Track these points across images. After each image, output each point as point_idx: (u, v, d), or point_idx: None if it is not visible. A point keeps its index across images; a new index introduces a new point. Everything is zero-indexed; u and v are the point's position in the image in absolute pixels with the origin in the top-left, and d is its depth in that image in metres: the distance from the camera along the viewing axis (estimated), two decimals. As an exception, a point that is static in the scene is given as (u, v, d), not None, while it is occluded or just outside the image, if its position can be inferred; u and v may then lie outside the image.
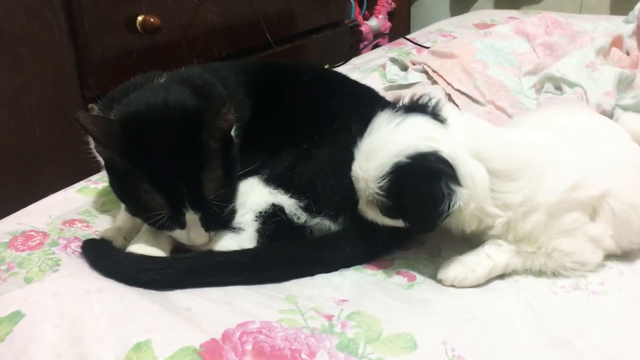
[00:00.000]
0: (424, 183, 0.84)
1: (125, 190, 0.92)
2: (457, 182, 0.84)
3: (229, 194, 0.95)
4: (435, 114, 0.90)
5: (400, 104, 0.94)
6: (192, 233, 0.93)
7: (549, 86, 1.50)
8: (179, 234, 0.93)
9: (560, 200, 0.88)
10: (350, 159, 0.93)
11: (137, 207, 0.93)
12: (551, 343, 0.79)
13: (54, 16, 1.49)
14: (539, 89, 1.57)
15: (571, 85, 1.44)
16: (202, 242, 0.94)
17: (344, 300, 0.87)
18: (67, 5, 1.50)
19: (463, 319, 0.83)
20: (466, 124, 0.90)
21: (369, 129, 0.91)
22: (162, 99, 0.93)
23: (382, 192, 0.87)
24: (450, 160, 0.85)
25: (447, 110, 0.91)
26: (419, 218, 0.89)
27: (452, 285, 0.90)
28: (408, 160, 0.85)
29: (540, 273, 0.92)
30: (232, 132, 0.96)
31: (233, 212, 0.97)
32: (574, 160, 0.91)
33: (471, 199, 0.86)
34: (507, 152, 0.89)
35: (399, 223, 0.92)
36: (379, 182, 0.87)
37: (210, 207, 0.90)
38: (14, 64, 1.44)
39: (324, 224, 0.98)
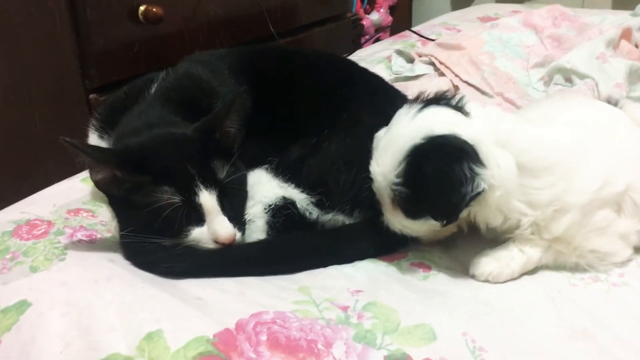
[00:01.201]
0: (444, 164, 0.80)
1: (135, 211, 0.86)
2: (480, 163, 0.80)
3: (243, 180, 0.92)
4: (458, 107, 0.86)
5: (424, 95, 0.90)
6: (215, 224, 0.86)
7: (558, 78, 1.48)
8: (200, 234, 0.87)
9: (592, 199, 0.85)
10: (363, 150, 0.90)
11: (152, 219, 0.84)
12: (573, 335, 0.77)
13: (56, 5, 1.46)
14: (547, 81, 1.55)
15: (582, 76, 1.42)
16: (227, 234, 0.86)
17: (358, 291, 0.85)
18: (69, -4, 1.48)
19: (482, 311, 0.81)
20: (491, 115, 0.87)
21: (387, 127, 0.88)
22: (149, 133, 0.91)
23: (399, 181, 0.83)
24: (471, 142, 0.81)
25: (471, 105, 0.87)
26: (441, 204, 0.82)
27: (487, 281, 0.86)
28: (423, 142, 0.82)
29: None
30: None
31: (247, 199, 0.94)
32: (599, 158, 0.88)
33: (497, 183, 0.81)
34: (535, 147, 0.85)
35: (425, 224, 0.87)
36: (396, 171, 0.83)
37: (226, 189, 0.87)
38: (14, 54, 1.41)
39: (337, 219, 0.95)
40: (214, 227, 0.86)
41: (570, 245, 0.87)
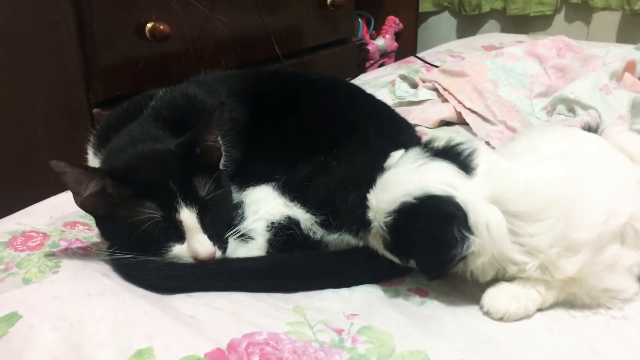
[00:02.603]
0: (434, 225, 0.81)
1: (119, 228, 0.87)
2: (468, 229, 0.80)
3: (225, 196, 0.92)
4: (464, 164, 0.85)
5: (434, 144, 0.90)
6: (194, 242, 0.86)
7: (561, 108, 1.49)
8: (180, 251, 0.87)
9: (601, 233, 0.83)
10: (371, 172, 0.91)
11: (134, 235, 0.85)
12: (570, 366, 0.75)
13: (63, 19, 1.47)
14: (550, 111, 1.55)
15: (585, 107, 1.43)
16: (206, 252, 0.87)
17: (354, 315, 0.84)
18: (77, 9, 1.49)
19: (478, 339, 0.80)
20: (490, 166, 0.85)
21: (395, 162, 0.89)
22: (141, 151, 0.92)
23: (385, 228, 0.85)
24: (463, 207, 0.81)
25: (479, 155, 0.86)
26: (429, 262, 0.85)
27: (500, 319, 0.83)
28: (414, 201, 0.83)
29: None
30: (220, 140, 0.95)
31: (233, 219, 0.94)
32: (600, 189, 0.86)
33: (484, 249, 0.82)
34: (529, 192, 0.83)
35: (400, 262, 0.89)
36: (385, 217, 0.85)
37: (207, 206, 0.87)
38: (20, 67, 1.42)
39: (343, 239, 0.95)
40: (194, 245, 0.87)
41: (585, 287, 0.85)
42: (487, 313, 0.84)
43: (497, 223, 0.82)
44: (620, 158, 0.95)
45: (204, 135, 0.90)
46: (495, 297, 0.85)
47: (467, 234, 0.80)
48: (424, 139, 1.11)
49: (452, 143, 0.90)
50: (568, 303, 0.86)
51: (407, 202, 0.83)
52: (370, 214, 0.88)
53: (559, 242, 0.82)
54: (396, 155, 0.92)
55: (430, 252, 0.83)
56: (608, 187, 0.87)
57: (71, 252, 0.92)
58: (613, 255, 0.85)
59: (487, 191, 0.83)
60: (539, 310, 0.85)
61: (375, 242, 0.90)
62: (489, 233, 0.81)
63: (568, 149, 0.94)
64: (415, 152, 0.88)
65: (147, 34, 1.59)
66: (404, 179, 0.86)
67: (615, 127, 1.03)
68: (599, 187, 0.86)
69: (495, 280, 0.87)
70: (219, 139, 0.94)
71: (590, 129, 1.03)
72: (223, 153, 0.96)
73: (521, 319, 0.84)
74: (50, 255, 0.90)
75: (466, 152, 0.87)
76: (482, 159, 0.86)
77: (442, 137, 0.93)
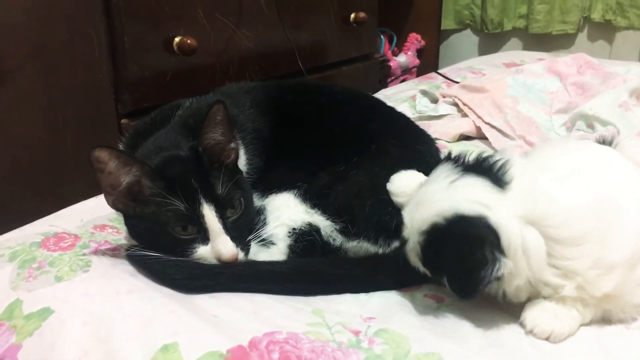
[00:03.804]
0: (464, 248, 0.79)
1: (145, 224, 0.91)
2: (501, 251, 0.79)
3: (245, 199, 0.95)
4: (497, 178, 0.83)
5: (466, 158, 0.89)
6: (218, 243, 0.90)
7: (580, 124, 1.50)
8: (205, 252, 0.91)
9: (633, 252, 0.82)
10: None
11: (159, 231, 0.90)
12: (583, 373, 0.77)
13: (95, 33, 1.53)
14: (569, 127, 1.57)
15: (604, 124, 1.44)
16: (229, 253, 0.90)
17: (371, 318, 0.86)
18: (108, 23, 1.55)
19: (492, 344, 0.81)
20: (527, 182, 0.83)
21: (429, 177, 0.89)
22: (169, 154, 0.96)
23: (419, 248, 0.85)
24: (495, 228, 0.79)
25: (513, 166, 0.85)
26: (459, 282, 0.83)
27: (546, 339, 0.82)
28: (444, 222, 0.82)
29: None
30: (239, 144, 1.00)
31: (254, 223, 0.97)
32: (629, 209, 0.85)
33: (519, 271, 0.80)
34: (572, 219, 0.81)
35: (437, 279, 0.88)
36: (419, 237, 0.85)
37: (225, 204, 0.91)
38: (52, 77, 1.48)
39: (361, 246, 0.97)
40: (217, 247, 0.90)
41: (620, 303, 0.84)
42: (531, 332, 0.83)
43: (536, 247, 0.80)
44: (636, 173, 0.95)
45: (202, 135, 0.93)
46: (538, 316, 0.83)
47: (499, 256, 0.78)
48: (444, 152, 1.14)
49: (484, 155, 0.88)
50: (604, 320, 0.86)
51: (438, 223, 0.82)
52: (405, 232, 0.89)
53: (597, 265, 0.81)
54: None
55: (460, 272, 0.82)
56: (634, 206, 0.87)
57: (101, 253, 0.96)
58: None
59: (525, 212, 0.81)
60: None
61: (414, 259, 0.90)
62: (526, 256, 0.80)
63: (581, 164, 0.93)
64: (446, 168, 0.87)
65: (175, 47, 1.64)
66: (435, 197, 0.85)
67: (630, 140, 1.04)
68: (630, 206, 0.86)
69: (517, 306, 0.86)
70: (238, 143, 0.98)
71: (605, 142, 1.03)
72: (245, 159, 0.99)
73: (566, 339, 0.82)
74: (81, 255, 0.94)
75: (499, 165, 0.85)
76: (517, 171, 0.84)
77: (462, 151, 0.93)
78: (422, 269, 0.89)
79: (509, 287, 0.83)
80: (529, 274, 0.81)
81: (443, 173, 0.87)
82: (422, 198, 0.87)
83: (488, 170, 0.85)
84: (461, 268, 0.81)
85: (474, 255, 0.78)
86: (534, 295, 0.85)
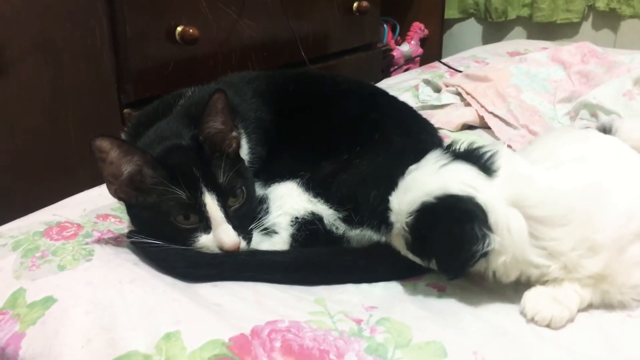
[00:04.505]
0: (455, 223, 0.82)
1: (149, 212, 0.91)
2: (488, 227, 0.81)
3: (247, 188, 0.96)
4: (485, 167, 0.86)
5: (455, 146, 0.92)
6: (220, 232, 0.90)
7: (584, 113, 1.50)
8: (207, 241, 0.91)
9: (622, 234, 0.84)
10: (393, 169, 0.93)
11: (161, 220, 0.90)
12: (585, 361, 0.77)
13: (97, 24, 1.53)
14: (573, 116, 1.56)
15: (607, 112, 1.43)
16: (231, 242, 0.91)
17: (373, 307, 0.86)
18: (110, 14, 1.54)
19: (494, 332, 0.81)
20: (512, 169, 0.86)
21: (417, 164, 0.90)
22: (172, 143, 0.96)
23: (407, 229, 0.87)
24: (483, 206, 0.82)
25: (501, 158, 0.87)
26: (448, 260, 0.86)
27: (547, 326, 0.82)
28: (435, 201, 0.84)
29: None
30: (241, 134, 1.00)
31: (256, 212, 0.97)
32: (617, 193, 0.87)
33: (505, 248, 0.82)
34: (551, 199, 0.84)
35: (422, 262, 0.90)
36: (406, 218, 0.86)
37: (227, 193, 0.91)
38: (54, 68, 1.48)
39: (364, 234, 0.98)
40: (219, 235, 0.91)
41: (616, 284, 0.85)
42: (532, 320, 0.83)
43: (518, 226, 0.83)
44: (633, 155, 0.96)
45: (203, 124, 0.93)
46: (537, 302, 0.84)
47: (487, 232, 0.81)
48: (447, 141, 1.13)
49: (474, 146, 0.91)
50: (604, 304, 0.86)
51: (428, 201, 0.84)
52: (392, 217, 0.90)
53: (581, 245, 0.83)
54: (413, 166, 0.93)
55: (451, 249, 0.84)
56: (627, 190, 0.88)
57: (103, 242, 0.97)
58: (638, 253, 0.85)
59: (508, 194, 0.84)
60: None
61: (398, 243, 0.92)
62: (510, 234, 0.82)
63: (585, 153, 0.94)
64: (436, 154, 0.90)
65: (177, 37, 1.64)
66: (424, 180, 0.87)
67: (629, 122, 1.03)
68: (618, 190, 0.87)
69: (518, 283, 0.87)
70: (240, 132, 0.98)
71: (605, 129, 1.04)
72: (247, 148, 0.99)
73: (567, 323, 0.83)
74: (84, 244, 0.94)
75: (487, 155, 0.88)
76: (504, 162, 0.87)
77: (464, 140, 0.94)
78: (405, 252, 0.90)
79: (496, 263, 0.84)
80: (516, 251, 0.83)
81: (432, 159, 0.89)
82: (411, 183, 0.88)
83: (477, 159, 0.88)
84: (451, 245, 0.83)
85: (464, 230, 0.81)
86: (525, 279, 0.87)
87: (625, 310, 0.86)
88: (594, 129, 1.09)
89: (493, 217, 0.82)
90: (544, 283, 0.87)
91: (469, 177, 0.85)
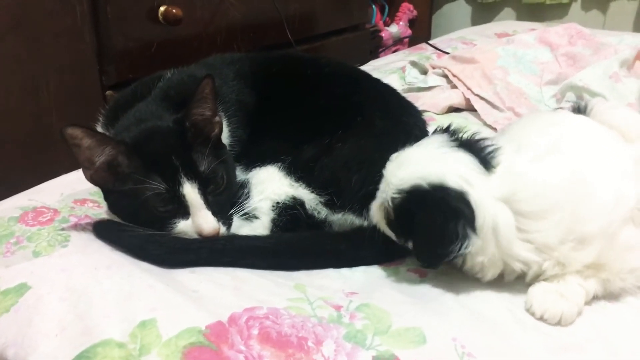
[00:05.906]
0: (440, 218, 0.81)
1: (127, 202, 0.90)
2: (473, 229, 0.81)
3: (228, 173, 0.94)
4: (485, 160, 0.85)
5: (460, 134, 0.90)
6: (199, 218, 0.89)
7: (570, 95, 1.48)
8: (185, 227, 0.90)
9: (610, 222, 0.83)
10: (375, 153, 0.92)
11: (138, 207, 0.88)
12: (564, 346, 0.77)
13: (78, 2, 1.50)
14: (559, 98, 1.55)
15: (593, 95, 1.42)
16: (210, 228, 0.89)
17: (353, 293, 0.85)
18: (91, -8, 1.51)
19: (474, 318, 0.81)
20: (507, 167, 0.85)
21: (419, 142, 0.90)
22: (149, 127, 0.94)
23: (391, 204, 0.86)
24: (473, 205, 0.81)
25: (503, 154, 0.86)
26: (426, 250, 0.85)
27: (557, 324, 0.80)
28: (427, 187, 0.82)
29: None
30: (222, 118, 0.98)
31: (236, 197, 0.96)
32: (600, 181, 0.85)
33: (483, 250, 0.82)
34: (537, 193, 0.83)
35: (397, 239, 0.89)
36: (394, 193, 0.85)
37: (208, 181, 0.90)
38: (35, 49, 1.45)
39: (346, 218, 0.97)
40: (198, 221, 0.89)
41: (614, 270, 0.84)
42: (541, 318, 0.81)
43: (505, 225, 0.82)
44: (613, 140, 0.94)
45: (190, 110, 0.91)
46: (544, 300, 0.82)
47: (470, 233, 0.80)
48: (432, 124, 1.12)
49: (478, 136, 0.90)
50: (607, 294, 0.85)
51: (420, 186, 0.83)
52: (382, 185, 0.89)
53: (568, 237, 0.82)
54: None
55: (429, 241, 0.83)
56: (609, 176, 0.87)
57: (80, 228, 0.95)
58: (630, 237, 0.84)
59: (501, 192, 0.83)
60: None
61: (377, 214, 0.90)
62: (495, 235, 0.82)
63: (559, 138, 0.92)
64: (441, 138, 0.88)
65: (160, 17, 1.61)
66: (424, 161, 0.86)
67: (603, 104, 1.02)
68: (601, 178, 0.86)
69: (500, 280, 0.86)
70: (221, 115, 0.96)
71: (580, 110, 1.02)
72: (228, 131, 0.98)
73: (576, 319, 0.81)
74: (60, 230, 0.93)
75: (489, 149, 0.87)
76: (504, 159, 0.86)
77: (452, 122, 0.93)
78: (382, 225, 0.89)
79: (472, 262, 0.85)
80: (496, 252, 0.83)
81: (436, 142, 0.88)
82: (409, 159, 0.87)
83: (478, 151, 0.87)
84: (431, 236, 0.83)
85: (447, 227, 0.80)
86: (508, 273, 0.86)
87: (628, 292, 0.86)
88: (566, 110, 1.07)
89: (481, 219, 0.81)
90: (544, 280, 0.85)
91: (467, 171, 0.84)
